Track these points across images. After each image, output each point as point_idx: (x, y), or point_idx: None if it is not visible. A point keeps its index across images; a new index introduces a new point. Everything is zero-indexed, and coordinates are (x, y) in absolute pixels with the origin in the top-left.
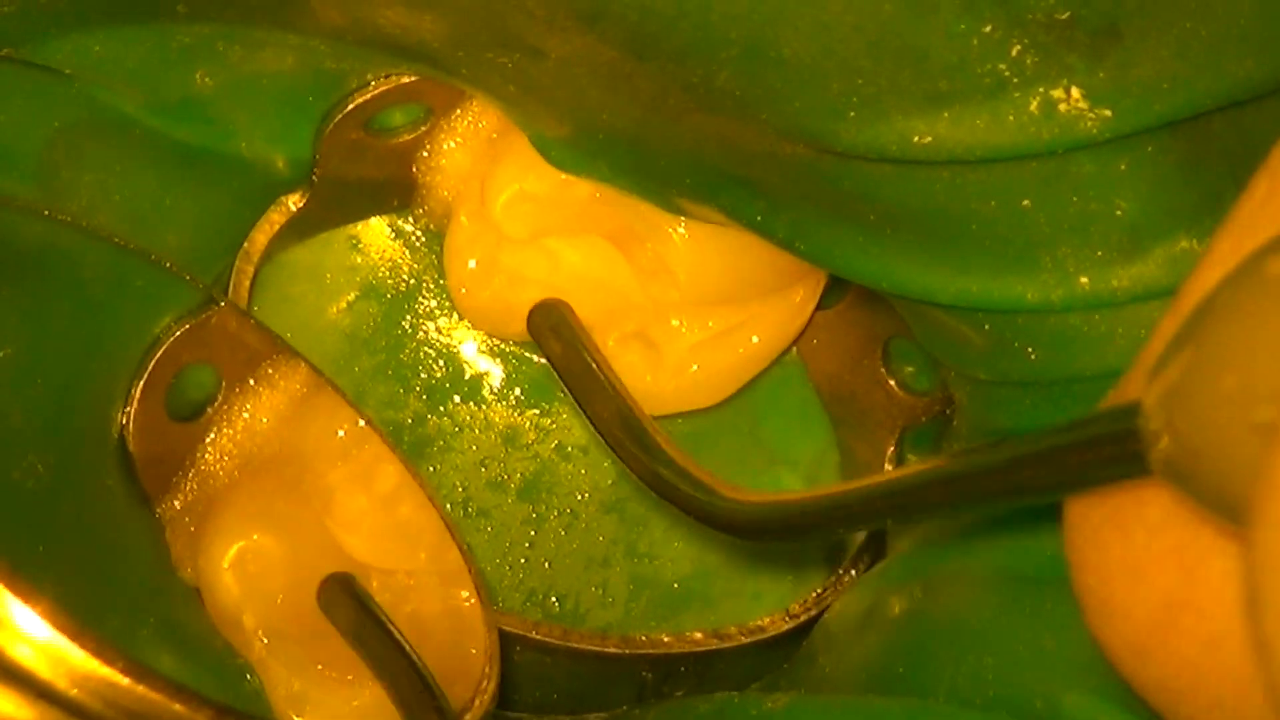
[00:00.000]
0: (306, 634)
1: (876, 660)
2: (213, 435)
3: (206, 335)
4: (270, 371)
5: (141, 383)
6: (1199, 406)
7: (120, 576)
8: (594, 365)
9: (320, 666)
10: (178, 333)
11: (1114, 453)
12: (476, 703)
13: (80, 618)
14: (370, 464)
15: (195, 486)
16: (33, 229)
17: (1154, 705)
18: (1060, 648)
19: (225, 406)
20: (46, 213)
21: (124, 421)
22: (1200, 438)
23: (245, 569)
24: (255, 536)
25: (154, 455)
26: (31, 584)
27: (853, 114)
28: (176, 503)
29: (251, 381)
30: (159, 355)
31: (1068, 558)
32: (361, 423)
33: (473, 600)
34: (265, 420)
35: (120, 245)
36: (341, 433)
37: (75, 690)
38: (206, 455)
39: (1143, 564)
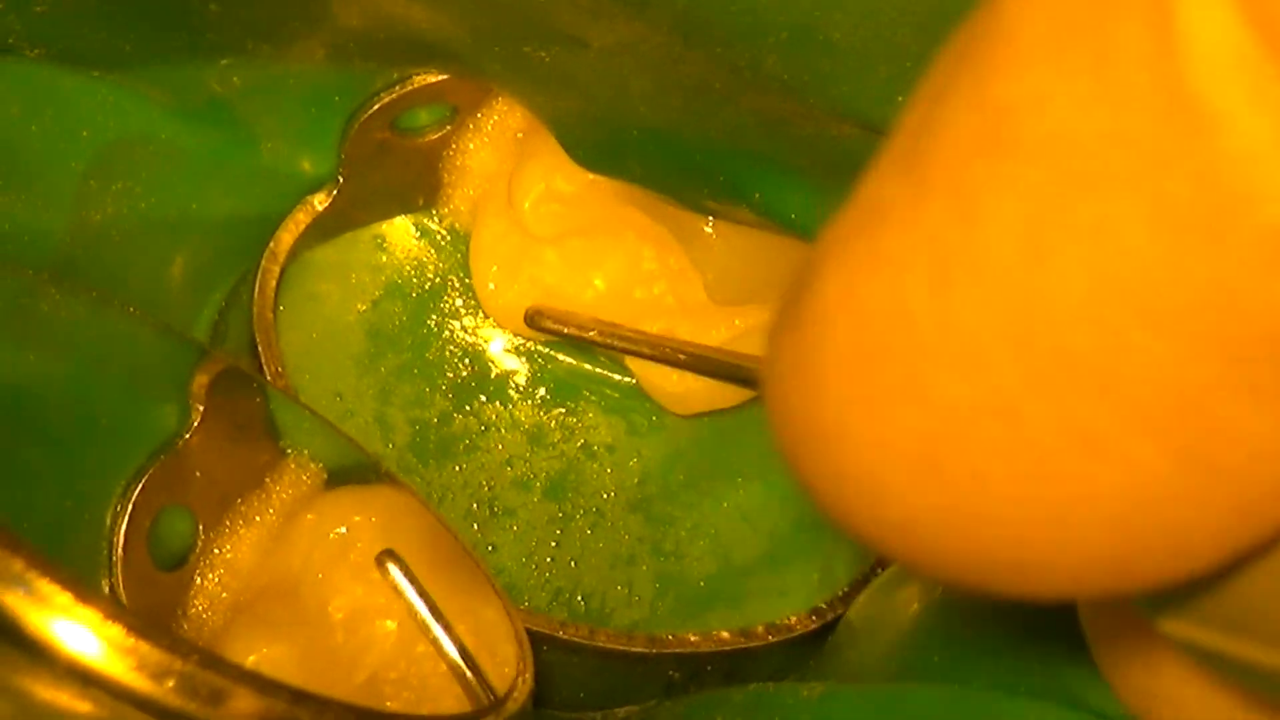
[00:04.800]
0: None
1: (909, 647)
2: (199, 581)
3: (177, 474)
4: (244, 509)
5: (123, 529)
6: None
7: None
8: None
9: None
10: (151, 471)
11: None
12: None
13: None
14: (362, 563)
15: (192, 634)
16: None
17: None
18: None
19: (205, 553)
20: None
21: (114, 577)
22: None
23: None
24: (264, 649)
25: (147, 608)
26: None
27: (900, 98)
28: None
29: (227, 523)
30: (135, 499)
31: None
32: (343, 529)
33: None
34: (247, 558)
35: (82, 375)
36: (332, 535)
37: (151, 684)
38: (196, 601)
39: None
